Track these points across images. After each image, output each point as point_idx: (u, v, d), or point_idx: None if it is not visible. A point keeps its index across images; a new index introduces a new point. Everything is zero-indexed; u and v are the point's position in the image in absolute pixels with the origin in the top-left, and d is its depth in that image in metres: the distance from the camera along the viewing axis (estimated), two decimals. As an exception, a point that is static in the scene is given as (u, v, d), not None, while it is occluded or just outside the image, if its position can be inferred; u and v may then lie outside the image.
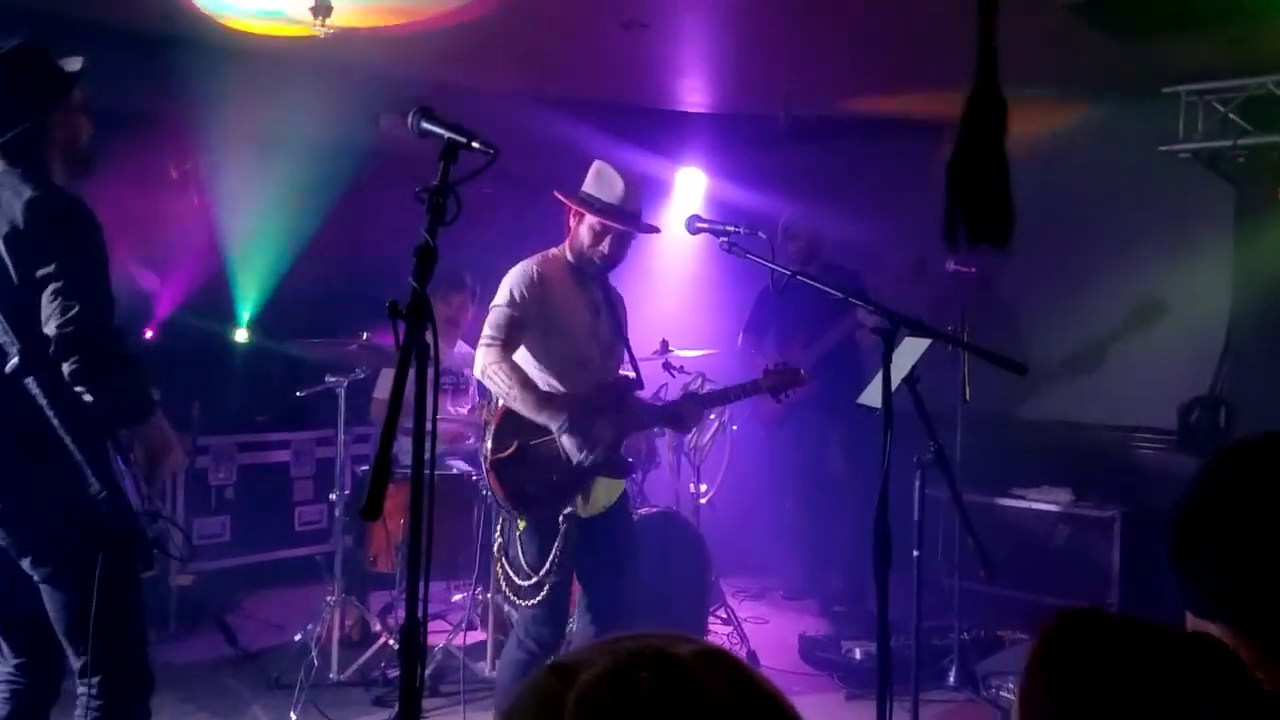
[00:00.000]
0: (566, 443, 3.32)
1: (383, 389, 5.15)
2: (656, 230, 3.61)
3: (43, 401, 2.51)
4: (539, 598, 3.34)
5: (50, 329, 2.44)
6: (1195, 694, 1.03)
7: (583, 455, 3.32)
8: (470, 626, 4.78)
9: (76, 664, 2.61)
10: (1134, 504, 5.21)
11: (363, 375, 4.67)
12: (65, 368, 2.44)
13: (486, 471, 3.39)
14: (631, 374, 3.69)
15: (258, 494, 5.85)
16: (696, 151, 6.94)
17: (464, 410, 5.21)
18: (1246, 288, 5.22)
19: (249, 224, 5.93)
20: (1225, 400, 5.25)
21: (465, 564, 4.86)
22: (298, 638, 4.47)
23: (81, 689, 2.62)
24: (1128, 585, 5.03)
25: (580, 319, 3.49)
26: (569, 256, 3.50)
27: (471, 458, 5.24)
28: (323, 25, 4.03)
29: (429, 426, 1.79)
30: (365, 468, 5.29)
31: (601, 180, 3.46)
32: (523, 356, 3.44)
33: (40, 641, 2.67)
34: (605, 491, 3.49)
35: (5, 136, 2.58)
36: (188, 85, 4.80)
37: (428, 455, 1.78)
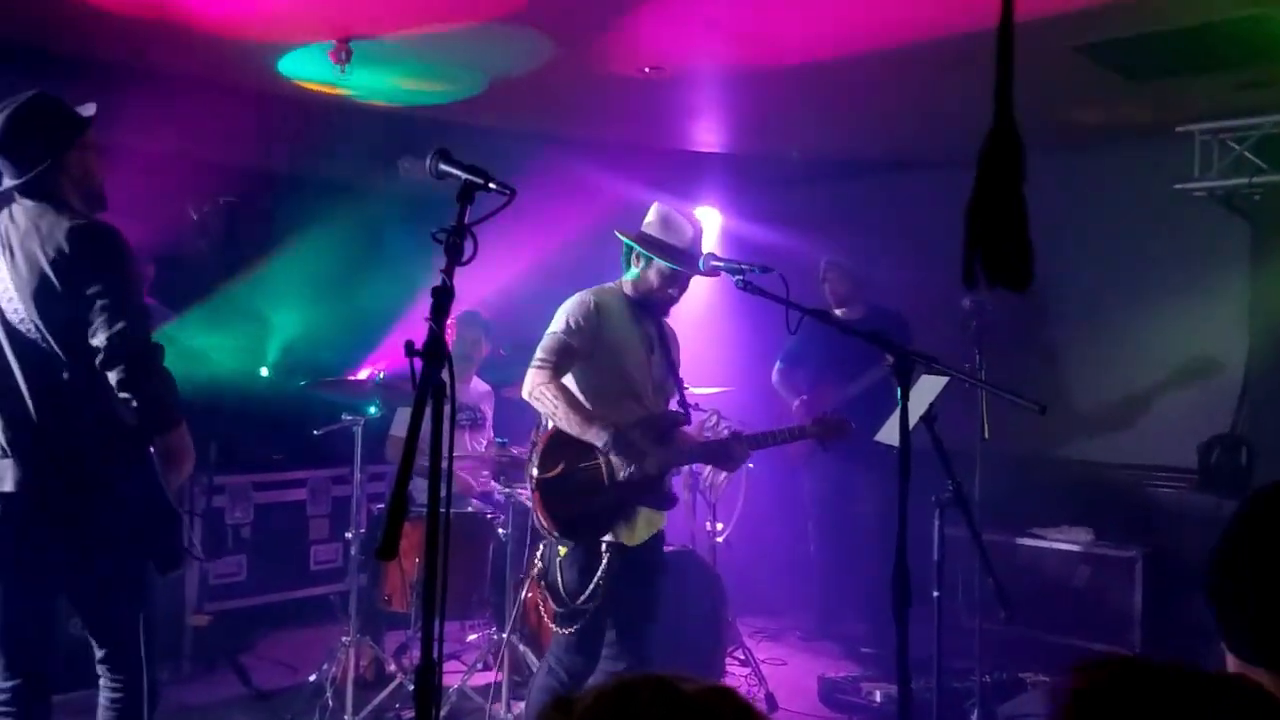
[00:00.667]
0: (614, 460, 3.35)
1: (400, 427, 5.16)
2: (717, 274, 3.64)
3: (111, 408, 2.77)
4: (576, 626, 3.34)
5: (99, 340, 2.70)
6: None
7: (628, 470, 3.35)
8: (485, 667, 4.75)
9: (100, 653, 2.86)
10: (1155, 544, 5.15)
11: (379, 414, 4.68)
12: (112, 376, 2.70)
13: (531, 492, 3.41)
14: (679, 410, 3.72)
15: (274, 533, 5.84)
16: (712, 191, 6.98)
17: (481, 445, 5.21)
18: (1264, 324, 5.19)
19: (269, 264, 5.97)
20: (1245, 439, 5.20)
21: (479, 604, 4.84)
22: (312, 678, 4.45)
23: (111, 681, 2.86)
24: (1150, 626, 4.97)
25: (634, 352, 3.55)
26: (629, 292, 3.59)
27: (486, 498, 5.24)
28: (343, 68, 4.10)
29: (444, 465, 1.79)
30: (381, 506, 5.29)
31: (669, 225, 3.57)
32: (570, 385, 3.48)
33: (42, 665, 2.88)
34: (647, 524, 3.50)
35: (28, 175, 2.80)
36: (208, 126, 4.87)
37: (444, 494, 1.78)
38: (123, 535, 2.79)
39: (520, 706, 4.49)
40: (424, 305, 1.88)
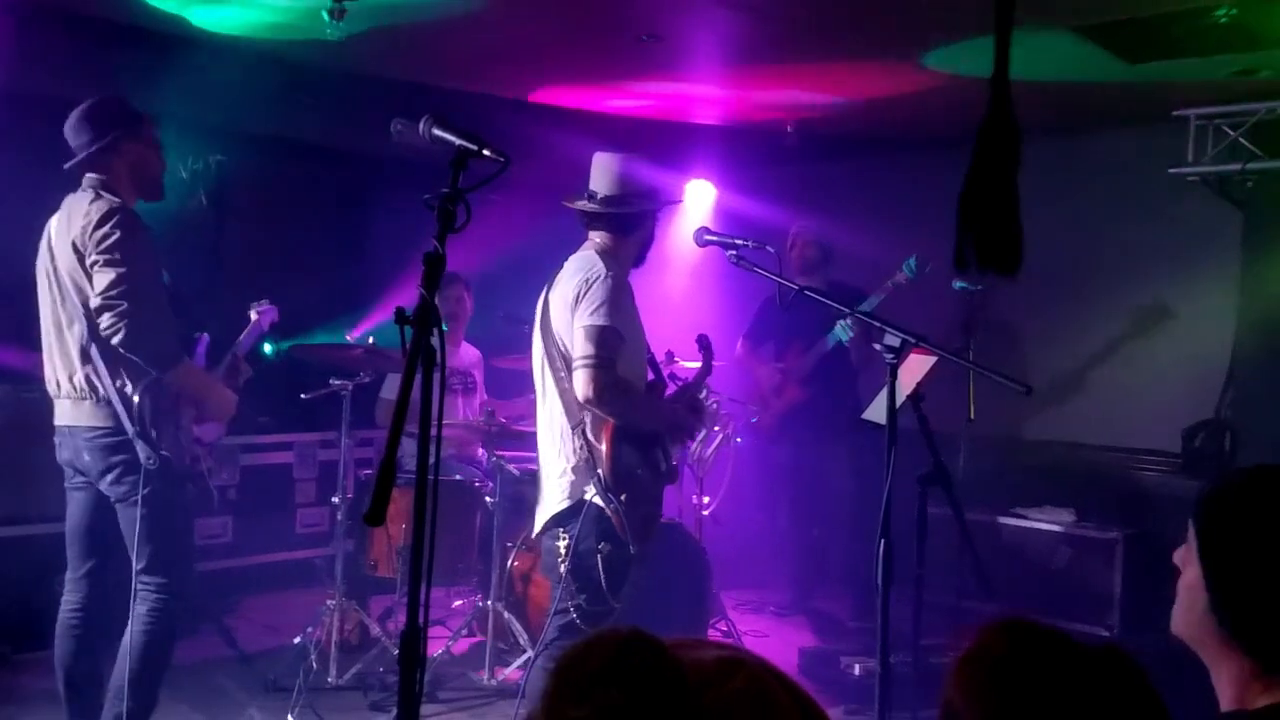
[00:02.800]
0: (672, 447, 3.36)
1: (390, 389, 5.15)
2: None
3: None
4: (598, 621, 3.22)
5: (95, 300, 3.16)
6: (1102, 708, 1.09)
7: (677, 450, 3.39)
8: (470, 634, 4.78)
9: (139, 565, 3.27)
10: (1136, 526, 5.19)
11: (367, 379, 4.68)
12: (102, 322, 3.13)
13: (616, 500, 3.20)
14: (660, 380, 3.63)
15: (260, 496, 5.85)
16: (705, 164, 6.95)
17: (474, 411, 5.22)
18: (1252, 312, 5.21)
19: (259, 227, 5.94)
20: (1230, 424, 5.24)
21: (465, 570, 4.86)
22: (296, 640, 4.47)
23: (143, 585, 3.29)
24: (1128, 607, 5.02)
25: (640, 326, 3.42)
26: (618, 252, 3.40)
27: (474, 464, 5.25)
28: (336, 24, 4.02)
29: (434, 433, 1.79)
30: (368, 471, 5.30)
31: (636, 169, 3.44)
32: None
33: (100, 552, 3.40)
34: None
35: (84, 153, 3.27)
36: (197, 85, 4.82)
37: (431, 461, 1.78)
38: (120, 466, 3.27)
39: (503, 672, 4.53)
40: (416, 272, 1.87)
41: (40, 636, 4.46)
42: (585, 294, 3.21)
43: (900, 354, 2.89)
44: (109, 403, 3.22)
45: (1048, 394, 5.57)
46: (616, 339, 3.19)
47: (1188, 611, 1.44)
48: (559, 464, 3.31)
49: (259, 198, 6.27)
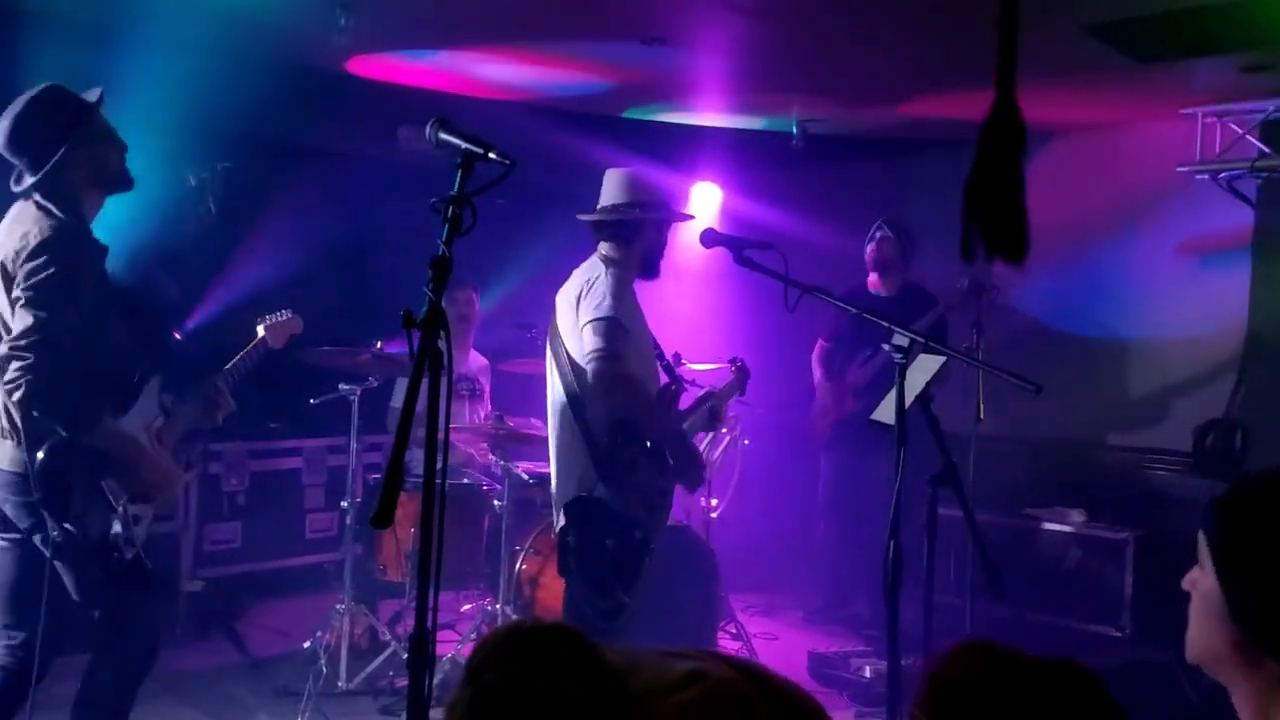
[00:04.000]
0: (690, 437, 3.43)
1: (399, 398, 5.16)
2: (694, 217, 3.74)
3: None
4: (621, 620, 3.28)
5: (3, 347, 2.82)
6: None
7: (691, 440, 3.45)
8: (478, 637, 4.77)
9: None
10: (1148, 526, 5.17)
11: (376, 384, 4.69)
12: (6, 374, 2.79)
13: (617, 485, 3.31)
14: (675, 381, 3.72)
15: (269, 501, 5.85)
16: (711, 166, 6.95)
17: (480, 417, 5.22)
18: (1263, 309, 5.19)
19: (266, 232, 5.95)
20: (1241, 423, 5.21)
21: (474, 574, 4.86)
22: (306, 645, 4.47)
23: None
24: (1140, 608, 4.99)
25: (644, 326, 3.53)
26: (624, 260, 3.49)
27: (484, 470, 5.25)
28: (343, 24, 4.01)
29: (441, 436, 1.79)
30: (377, 476, 5.30)
31: (641, 186, 3.54)
32: None
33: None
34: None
35: (39, 175, 2.90)
36: (208, 92, 4.83)
37: (440, 465, 1.78)
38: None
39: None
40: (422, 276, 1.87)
41: (65, 643, 4.49)
42: (587, 292, 3.33)
43: (909, 354, 2.89)
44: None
45: (1057, 394, 5.53)
46: (621, 331, 3.28)
47: (1205, 630, 1.41)
48: (569, 461, 3.40)
49: (268, 204, 6.27)
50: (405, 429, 1.69)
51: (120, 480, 2.98)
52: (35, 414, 2.79)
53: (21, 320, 2.79)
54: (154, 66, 4.51)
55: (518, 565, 4.69)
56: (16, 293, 2.81)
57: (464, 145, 2.06)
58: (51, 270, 2.79)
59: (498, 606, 4.55)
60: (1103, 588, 5.12)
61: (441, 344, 1.81)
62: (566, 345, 3.39)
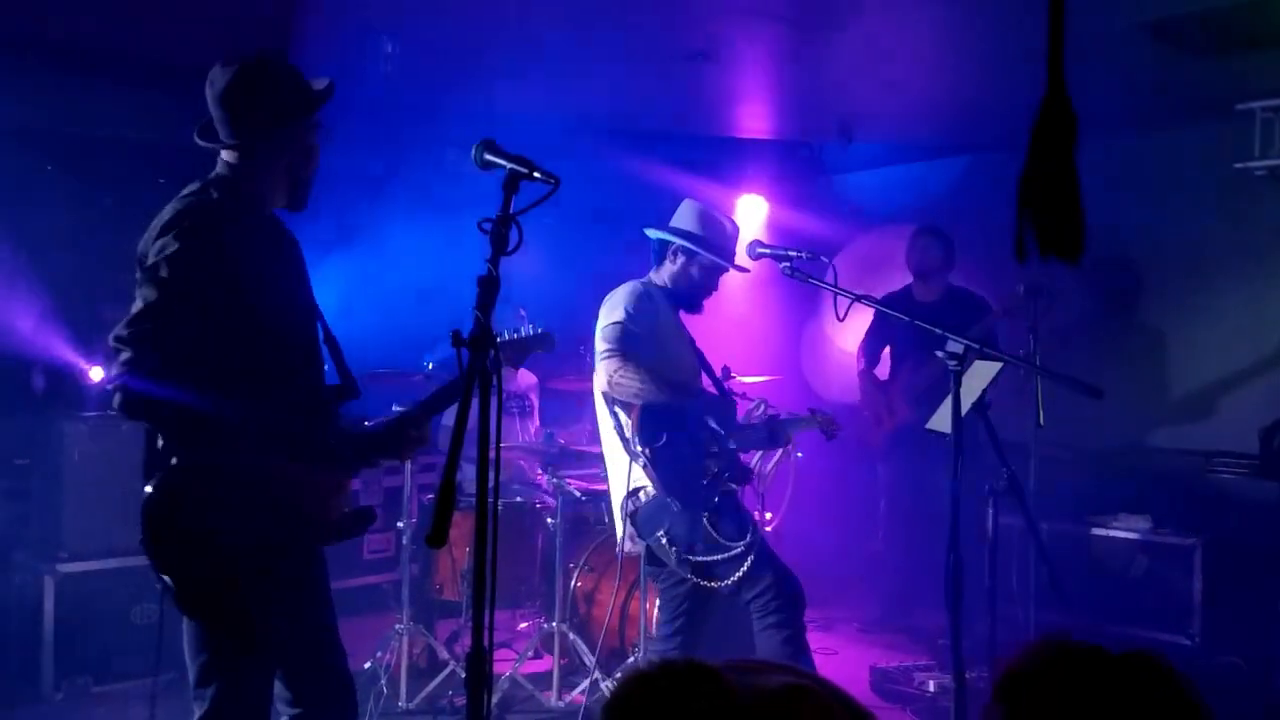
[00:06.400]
0: (710, 422, 3.49)
1: (450, 415, 5.19)
2: (748, 270, 3.78)
3: None
4: (745, 567, 3.45)
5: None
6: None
7: (725, 432, 3.50)
8: (535, 655, 4.78)
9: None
10: (1215, 531, 5.03)
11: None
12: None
13: (646, 464, 3.49)
14: (730, 396, 3.87)
15: (326, 523, 5.90)
16: (757, 178, 6.94)
17: (530, 433, 5.24)
18: (1329, 306, 5.05)
19: (320, 256, 6.03)
20: (1310, 424, 5.06)
21: (529, 592, 4.87)
22: (366, 666, 4.50)
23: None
24: (1209, 615, 4.86)
25: (678, 340, 3.68)
26: (667, 284, 3.69)
27: (535, 488, 5.26)
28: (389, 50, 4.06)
29: (493, 454, 1.80)
30: (432, 496, 5.34)
31: (710, 222, 3.68)
32: None
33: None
34: None
35: (241, 139, 2.47)
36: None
37: (492, 483, 1.79)
38: None
39: (570, 694, 4.52)
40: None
41: (120, 668, 4.57)
42: (607, 302, 3.61)
43: (964, 361, 2.85)
44: None
45: (1119, 398, 5.42)
46: (628, 334, 3.48)
47: None
48: (616, 464, 3.66)
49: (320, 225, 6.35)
50: (456, 448, 1.70)
51: (265, 519, 2.41)
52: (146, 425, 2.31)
53: (134, 304, 2.28)
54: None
55: (573, 582, 4.69)
56: (138, 273, 2.33)
57: (509, 165, 2.08)
58: (176, 247, 2.26)
59: (553, 624, 4.55)
60: (1171, 595, 4.99)
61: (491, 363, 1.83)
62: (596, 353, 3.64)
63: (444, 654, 4.60)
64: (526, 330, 3.06)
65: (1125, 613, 4.96)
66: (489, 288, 1.90)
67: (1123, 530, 5.24)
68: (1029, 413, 4.48)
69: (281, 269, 2.54)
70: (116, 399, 2.22)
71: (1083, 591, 4.82)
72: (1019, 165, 1.11)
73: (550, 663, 4.64)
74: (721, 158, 6.32)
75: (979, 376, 3.31)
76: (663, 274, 3.70)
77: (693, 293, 3.69)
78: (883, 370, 5.83)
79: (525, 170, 2.08)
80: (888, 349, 5.79)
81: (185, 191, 2.45)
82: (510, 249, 1.96)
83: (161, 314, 2.24)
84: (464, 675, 1.84)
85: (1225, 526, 5.05)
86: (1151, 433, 5.64)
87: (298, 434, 2.49)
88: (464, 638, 4.71)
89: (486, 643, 1.80)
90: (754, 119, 5.98)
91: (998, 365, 3.25)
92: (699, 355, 3.80)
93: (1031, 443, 4.60)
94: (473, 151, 2.19)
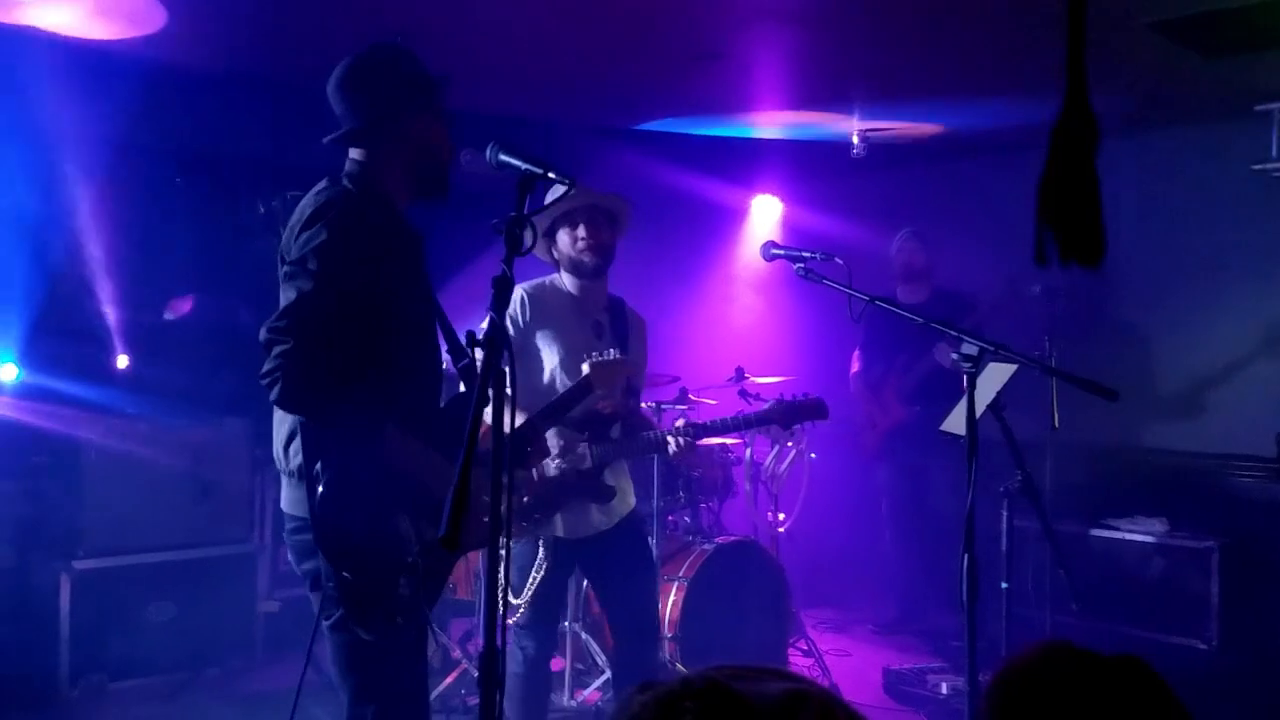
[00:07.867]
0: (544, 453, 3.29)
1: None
2: (618, 196, 3.48)
3: None
4: (518, 616, 3.45)
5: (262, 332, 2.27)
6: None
7: (556, 465, 3.30)
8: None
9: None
10: (1233, 534, 5.00)
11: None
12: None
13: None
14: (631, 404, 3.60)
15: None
16: (771, 179, 6.93)
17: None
18: (1347, 308, 5.01)
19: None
20: (1329, 426, 5.03)
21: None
22: (379, 665, 4.51)
23: None
24: (1227, 618, 4.83)
25: (574, 342, 3.41)
26: (565, 277, 3.51)
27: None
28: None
29: (505, 454, 1.80)
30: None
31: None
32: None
33: None
34: (600, 514, 3.46)
35: (355, 125, 2.45)
36: (267, 123, 4.96)
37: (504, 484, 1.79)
38: None
39: (583, 693, 4.52)
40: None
41: (136, 665, 4.59)
42: None
43: (979, 363, 2.83)
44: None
45: (1134, 399, 5.40)
46: None
47: None
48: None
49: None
50: (470, 449, 1.70)
51: (418, 519, 2.37)
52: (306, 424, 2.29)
53: (285, 297, 2.29)
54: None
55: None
56: (285, 268, 2.34)
57: (523, 165, 2.08)
58: (324, 238, 2.26)
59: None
60: (1188, 599, 4.96)
61: (505, 364, 1.83)
62: None
63: (457, 653, 4.60)
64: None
65: (1141, 616, 4.94)
66: (504, 288, 1.90)
67: (1139, 533, 5.21)
68: (1042, 413, 4.47)
69: (411, 264, 2.52)
70: (275, 391, 2.21)
71: (1098, 594, 4.79)
72: (1038, 167, 1.10)
73: (562, 663, 4.64)
74: (736, 158, 6.31)
75: (994, 379, 3.30)
76: (558, 264, 3.54)
77: (578, 263, 3.46)
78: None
79: (540, 171, 2.07)
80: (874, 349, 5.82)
81: (318, 188, 2.45)
82: (524, 250, 1.96)
83: (316, 304, 2.24)
84: (476, 674, 1.84)
85: (1243, 530, 5.02)
86: (1167, 435, 5.60)
87: (447, 430, 2.42)
88: (477, 637, 4.72)
89: (499, 642, 1.80)
90: (767, 118, 5.97)
91: (1013, 367, 3.24)
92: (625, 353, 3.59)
93: (1046, 444, 4.58)
94: (486, 151, 2.19)
